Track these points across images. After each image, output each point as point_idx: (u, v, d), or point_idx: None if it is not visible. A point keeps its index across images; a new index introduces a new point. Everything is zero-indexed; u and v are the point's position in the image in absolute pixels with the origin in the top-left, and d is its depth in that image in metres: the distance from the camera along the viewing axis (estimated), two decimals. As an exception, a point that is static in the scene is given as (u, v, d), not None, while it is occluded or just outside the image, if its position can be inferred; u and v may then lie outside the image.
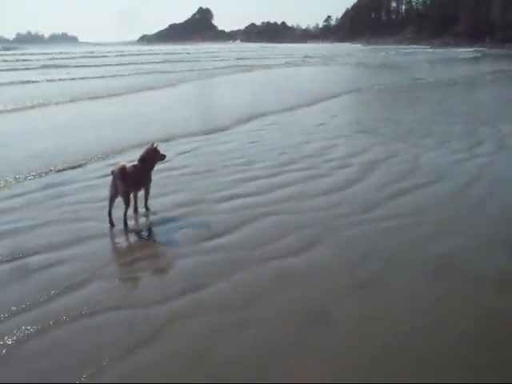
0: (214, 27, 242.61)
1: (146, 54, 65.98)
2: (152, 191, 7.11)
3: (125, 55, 63.53)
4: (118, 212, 6.55)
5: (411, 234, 6.35)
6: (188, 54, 70.18)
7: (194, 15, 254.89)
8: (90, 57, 58.50)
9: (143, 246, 6.18)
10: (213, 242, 6.01)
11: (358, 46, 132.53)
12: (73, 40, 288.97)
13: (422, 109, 18.00)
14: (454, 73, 36.59)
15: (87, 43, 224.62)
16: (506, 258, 5.73)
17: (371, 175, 8.85)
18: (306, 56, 61.22)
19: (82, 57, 57.99)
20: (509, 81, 31.58)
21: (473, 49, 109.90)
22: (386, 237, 6.26)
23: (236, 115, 15.24)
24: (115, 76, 30.71)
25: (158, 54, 67.25)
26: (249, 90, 24.38)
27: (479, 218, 6.98)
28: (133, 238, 6.42)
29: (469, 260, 5.61)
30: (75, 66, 39.65)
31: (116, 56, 60.60)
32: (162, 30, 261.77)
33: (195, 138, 12.19)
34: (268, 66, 42.83)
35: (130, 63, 44.68)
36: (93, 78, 29.22)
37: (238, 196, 7.76)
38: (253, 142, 11.63)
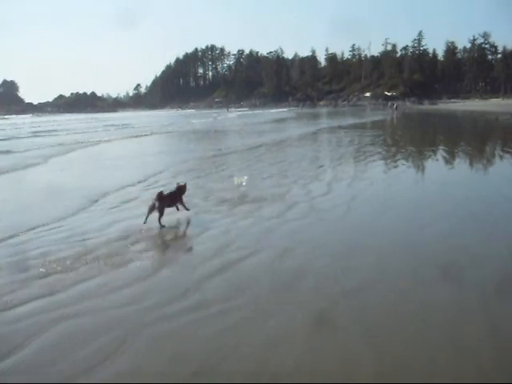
0: (21, 100, 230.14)
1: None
2: None
3: None
4: None
5: (228, 322, 5.72)
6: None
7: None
8: None
9: None
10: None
11: (172, 111, 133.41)
12: None
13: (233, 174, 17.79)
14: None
15: None
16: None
17: (182, 255, 8.18)
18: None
19: None
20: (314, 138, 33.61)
21: (286, 109, 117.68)
22: (204, 330, 5.56)
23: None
24: None
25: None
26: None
27: (298, 293, 6.57)
28: None
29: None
30: None
31: None
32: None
33: None
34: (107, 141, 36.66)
35: None
36: None
37: (29, 299, 6.54)
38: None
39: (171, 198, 10.54)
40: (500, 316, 5.81)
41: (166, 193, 10.44)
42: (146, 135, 43.12)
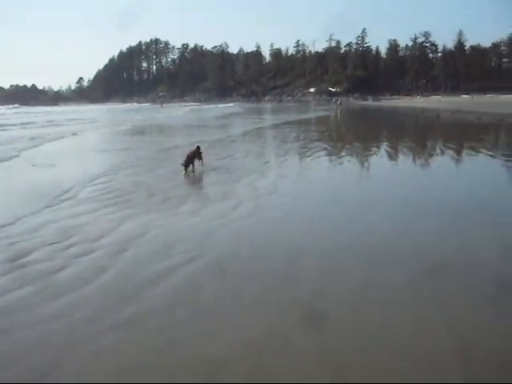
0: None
1: None
2: None
3: None
4: None
5: (167, 338, 5.32)
6: None
7: None
8: None
9: None
10: None
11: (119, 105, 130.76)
12: None
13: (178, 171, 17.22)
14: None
15: None
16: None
17: (121, 259, 7.63)
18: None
19: None
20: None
21: (232, 104, 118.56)
22: (140, 347, 5.13)
23: None
24: None
25: None
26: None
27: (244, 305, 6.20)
28: None
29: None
30: None
31: None
32: None
33: None
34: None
35: None
36: None
37: None
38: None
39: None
40: (467, 328, 5.52)
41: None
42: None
